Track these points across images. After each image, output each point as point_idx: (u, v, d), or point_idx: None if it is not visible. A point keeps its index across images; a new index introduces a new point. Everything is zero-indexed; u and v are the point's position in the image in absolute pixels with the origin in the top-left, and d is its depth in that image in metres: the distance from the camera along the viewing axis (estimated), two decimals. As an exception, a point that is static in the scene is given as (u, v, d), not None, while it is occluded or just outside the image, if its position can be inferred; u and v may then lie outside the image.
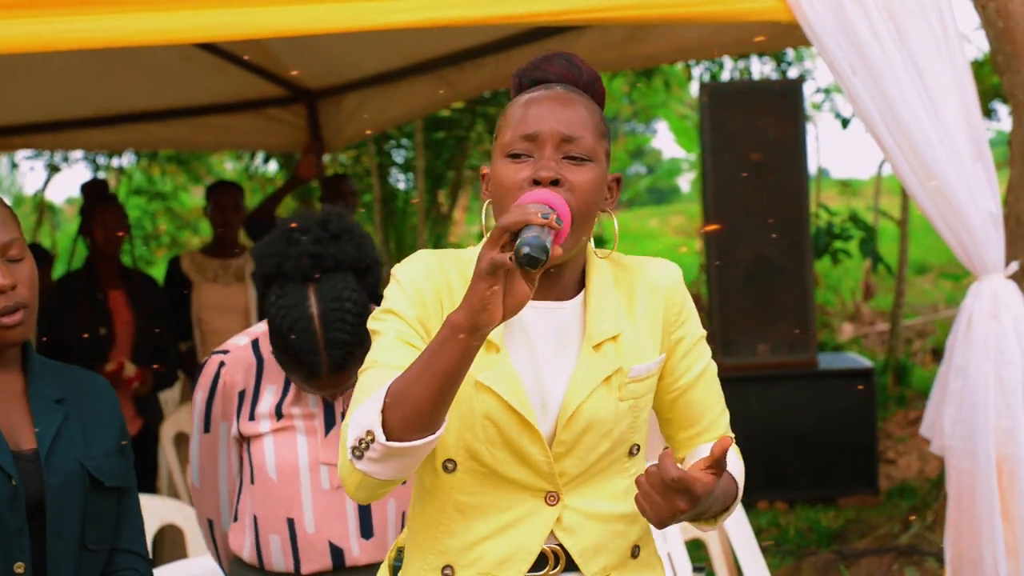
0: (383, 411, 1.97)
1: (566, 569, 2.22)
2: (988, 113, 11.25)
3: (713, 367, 2.37)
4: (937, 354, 11.70)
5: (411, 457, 1.99)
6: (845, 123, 11.92)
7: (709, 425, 2.36)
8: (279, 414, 2.96)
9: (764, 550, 3.92)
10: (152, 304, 5.84)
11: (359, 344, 2.81)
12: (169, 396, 6.54)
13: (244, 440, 3.00)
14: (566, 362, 2.20)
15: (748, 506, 3.95)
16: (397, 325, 2.15)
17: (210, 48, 6.65)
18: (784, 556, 6.18)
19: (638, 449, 2.28)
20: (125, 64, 6.51)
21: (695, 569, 4.00)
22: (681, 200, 33.61)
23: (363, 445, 1.98)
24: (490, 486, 2.20)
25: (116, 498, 2.69)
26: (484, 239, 1.96)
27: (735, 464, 2.34)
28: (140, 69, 6.69)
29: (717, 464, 2.04)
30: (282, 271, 2.85)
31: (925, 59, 3.74)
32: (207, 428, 3.05)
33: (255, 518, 2.99)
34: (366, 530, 2.94)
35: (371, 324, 2.20)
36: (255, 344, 3.03)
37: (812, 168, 9.93)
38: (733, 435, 2.39)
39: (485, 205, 2.25)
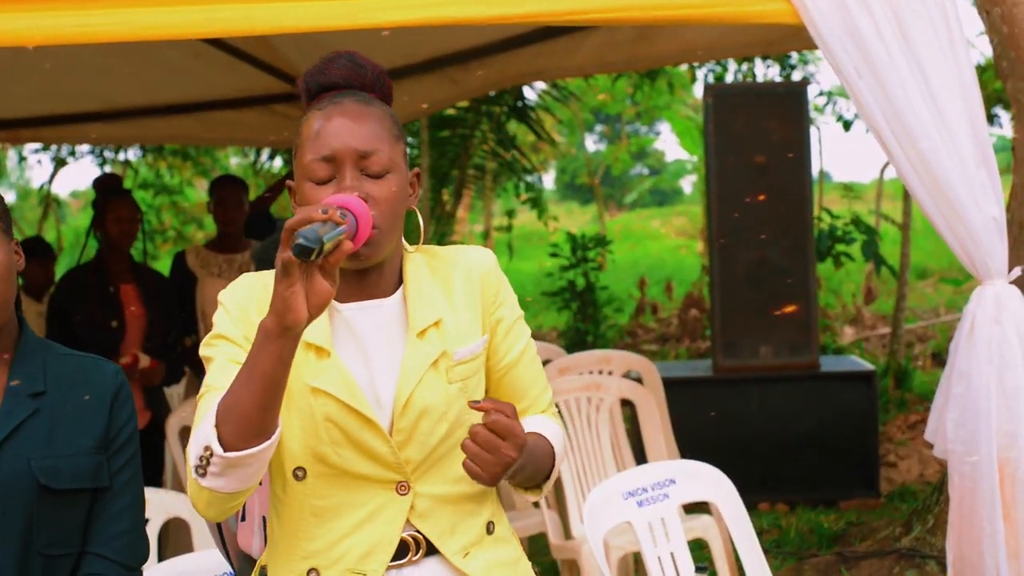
0: (217, 426, 2.04)
1: (428, 554, 2.30)
2: (990, 119, 11.29)
3: (533, 346, 2.47)
4: (937, 358, 11.73)
5: (251, 465, 2.07)
6: (847, 126, 11.93)
7: (534, 400, 2.46)
8: None
9: (765, 551, 3.93)
10: (161, 299, 5.87)
11: None
12: (174, 391, 6.56)
13: None
14: (394, 354, 2.28)
15: (749, 507, 3.96)
16: (226, 348, 2.22)
17: (217, 44, 6.65)
18: (785, 557, 6.19)
19: None
20: (133, 59, 6.49)
21: (697, 569, 4.01)
22: (683, 202, 33.67)
23: (204, 462, 2.06)
24: (342, 486, 2.26)
25: (85, 500, 2.58)
26: None
27: (553, 431, 2.44)
28: (148, 64, 6.68)
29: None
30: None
31: (930, 63, 3.75)
32: None
33: (263, 519, 2.99)
34: None
35: (202, 351, 2.26)
36: None
37: (815, 171, 9.93)
38: (557, 410, 2.52)
39: None
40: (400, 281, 2.34)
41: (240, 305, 2.25)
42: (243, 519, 3.05)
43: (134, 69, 6.75)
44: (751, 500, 4.10)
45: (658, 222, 29.36)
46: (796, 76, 12.63)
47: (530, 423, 2.41)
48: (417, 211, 2.36)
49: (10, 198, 24.84)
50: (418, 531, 2.29)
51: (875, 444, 7.34)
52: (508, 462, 2.15)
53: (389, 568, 2.27)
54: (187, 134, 8.84)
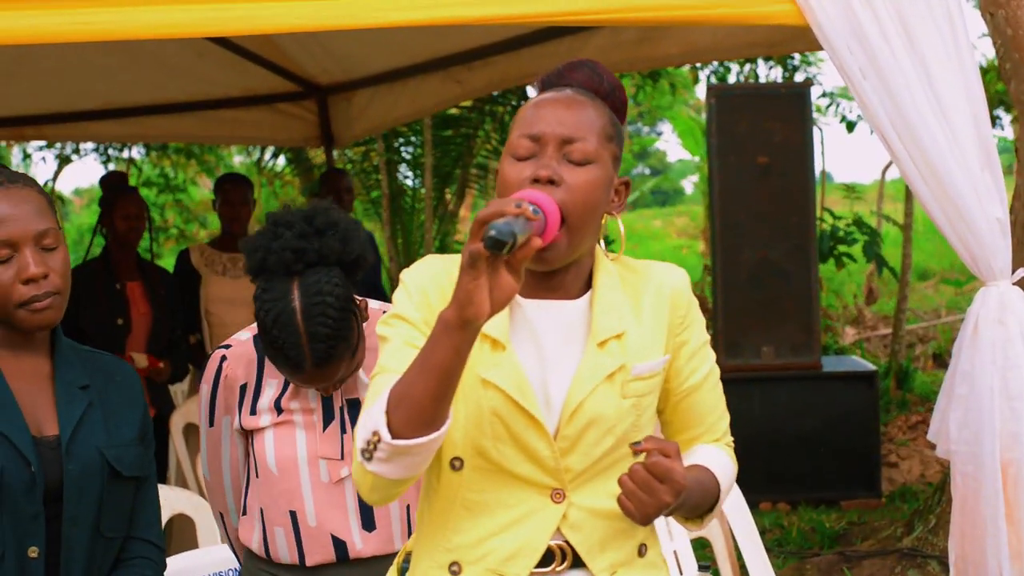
0: (387, 412, 2.02)
1: (573, 566, 2.24)
2: (992, 120, 11.30)
3: (716, 372, 2.40)
4: (938, 359, 11.74)
5: (418, 455, 2.04)
6: (851, 127, 11.93)
7: (710, 427, 2.39)
8: (278, 409, 2.97)
9: (767, 550, 3.95)
10: (167, 296, 5.89)
11: (342, 338, 2.82)
12: (178, 388, 6.58)
13: (247, 434, 3.02)
14: (571, 359, 2.23)
15: (751, 506, 3.98)
16: (403, 330, 2.20)
17: (222, 43, 6.67)
18: (787, 557, 6.21)
19: None
20: (136, 58, 6.54)
21: (701, 568, 4.02)
22: (685, 202, 33.69)
23: (371, 447, 2.04)
24: (497, 483, 2.22)
25: (134, 487, 2.74)
26: None
27: (722, 463, 2.38)
28: (151, 63, 6.72)
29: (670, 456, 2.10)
30: (266, 265, 2.85)
31: (935, 65, 3.75)
32: (211, 422, 3.07)
33: (261, 510, 3.01)
34: (368, 523, 2.95)
35: (379, 329, 2.24)
36: (256, 339, 3.04)
37: (816, 172, 9.98)
38: (732, 439, 2.45)
39: None
40: (588, 286, 2.29)
41: (421, 287, 2.22)
42: (244, 513, 3.07)
43: (138, 68, 6.79)
44: (753, 499, 4.13)
45: (660, 222, 29.37)
46: (798, 77, 12.64)
47: (700, 453, 2.36)
48: (619, 220, 2.31)
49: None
50: (567, 541, 2.24)
51: (876, 444, 7.37)
52: (663, 505, 2.09)
53: (531, 574, 2.22)
54: (191, 133, 8.85)
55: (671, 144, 36.60)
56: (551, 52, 6.19)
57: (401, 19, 3.55)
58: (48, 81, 6.92)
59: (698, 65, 12.40)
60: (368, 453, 2.04)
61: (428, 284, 2.22)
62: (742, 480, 3.99)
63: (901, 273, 10.73)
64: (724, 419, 2.43)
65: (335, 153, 8.58)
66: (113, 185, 6.00)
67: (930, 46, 3.74)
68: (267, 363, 3.00)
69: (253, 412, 2.99)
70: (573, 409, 2.20)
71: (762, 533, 3.97)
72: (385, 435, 2.01)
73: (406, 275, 2.26)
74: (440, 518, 2.26)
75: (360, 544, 2.95)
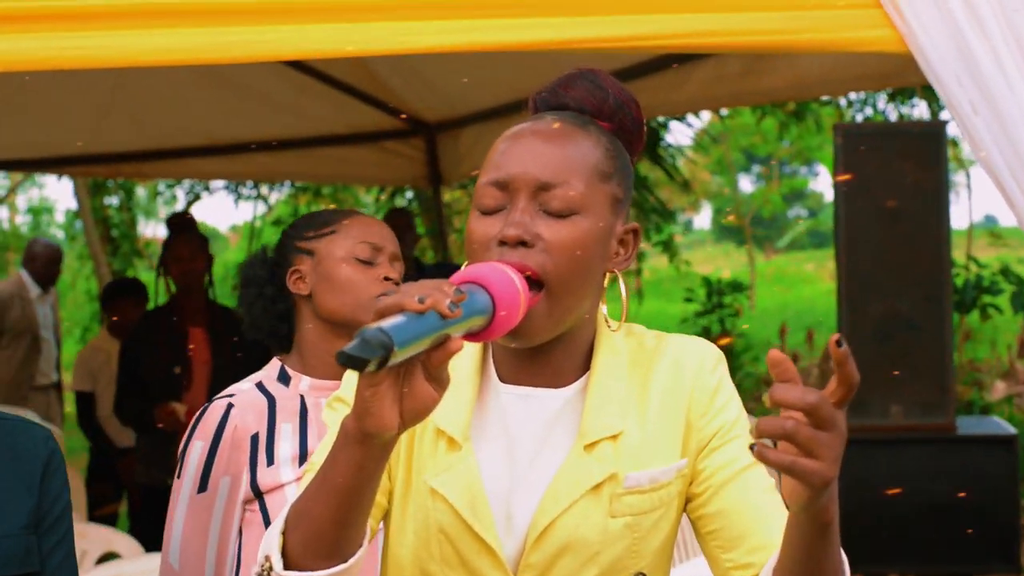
0: (284, 532, 1.61)
1: None
2: None
3: (762, 474, 1.80)
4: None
5: None
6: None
7: (771, 539, 1.73)
8: (304, 457, 2.57)
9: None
10: (234, 343, 5.60)
11: None
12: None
13: (258, 497, 2.58)
14: (549, 465, 1.77)
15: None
16: (341, 416, 1.72)
17: (324, 79, 6.48)
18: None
19: None
20: (236, 91, 6.40)
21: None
22: (840, 245, 33.06)
23: (264, 572, 1.61)
24: None
25: None
26: None
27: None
28: (248, 98, 6.57)
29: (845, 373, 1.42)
30: None
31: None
32: (203, 486, 2.61)
33: None
34: None
35: (323, 414, 1.85)
36: (261, 385, 2.67)
37: (963, 217, 9.44)
38: None
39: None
40: (586, 367, 1.81)
41: None
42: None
43: (237, 102, 6.67)
44: (879, 570, 3.69)
45: (812, 265, 28.90)
46: (946, 115, 12.08)
47: None
48: (621, 278, 1.81)
49: (150, 231, 25.33)
50: None
51: (1015, 513, 6.83)
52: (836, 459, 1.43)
53: None
54: (294, 170, 8.75)
55: (827, 185, 35.77)
56: (653, 86, 5.88)
57: (491, 42, 3.24)
58: (144, 115, 6.79)
59: (842, 103, 11.97)
60: None
61: None
62: (866, 549, 3.57)
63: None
64: None
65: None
66: (172, 225, 5.76)
67: (1051, 76, 3.33)
68: (279, 407, 2.62)
69: (271, 463, 2.57)
70: (541, 531, 1.74)
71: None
72: (276, 562, 1.59)
73: None
74: None
75: None
